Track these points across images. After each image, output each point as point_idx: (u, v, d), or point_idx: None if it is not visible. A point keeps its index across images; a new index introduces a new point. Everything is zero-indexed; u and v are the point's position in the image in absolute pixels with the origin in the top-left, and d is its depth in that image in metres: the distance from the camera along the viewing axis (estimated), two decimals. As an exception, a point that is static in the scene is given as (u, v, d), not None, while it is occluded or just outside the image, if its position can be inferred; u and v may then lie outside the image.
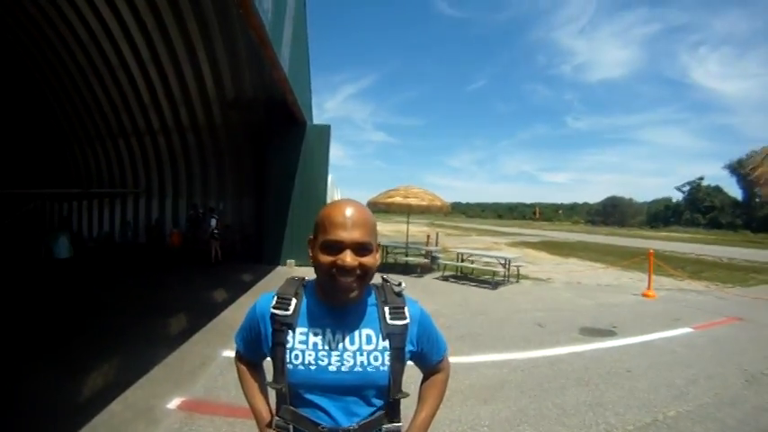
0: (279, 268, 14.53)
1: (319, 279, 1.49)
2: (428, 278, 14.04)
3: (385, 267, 15.23)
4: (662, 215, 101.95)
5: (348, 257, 1.38)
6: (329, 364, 1.44)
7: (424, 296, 10.63)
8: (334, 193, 19.26)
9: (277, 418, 1.51)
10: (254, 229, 16.59)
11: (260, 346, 1.57)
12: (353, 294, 1.42)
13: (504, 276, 13.55)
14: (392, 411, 1.52)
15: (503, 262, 13.66)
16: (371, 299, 1.55)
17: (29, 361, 5.73)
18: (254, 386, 1.71)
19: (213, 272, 13.57)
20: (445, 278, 14.07)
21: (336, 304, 1.48)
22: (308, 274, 1.60)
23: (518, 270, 14.14)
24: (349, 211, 1.42)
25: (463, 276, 14.47)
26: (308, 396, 1.46)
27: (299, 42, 13.07)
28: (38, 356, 5.91)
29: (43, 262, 13.54)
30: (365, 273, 1.42)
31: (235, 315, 8.17)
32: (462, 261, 15.29)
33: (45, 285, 10.97)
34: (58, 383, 4.98)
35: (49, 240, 13.92)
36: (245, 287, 10.92)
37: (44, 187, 18.99)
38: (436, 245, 19.91)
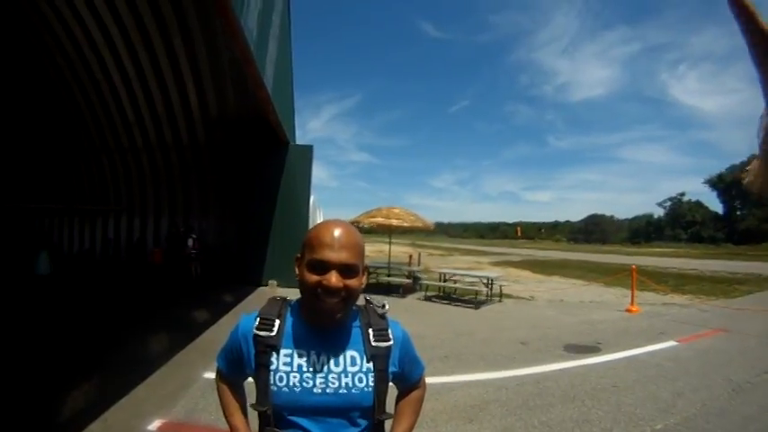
0: (260, 289, 14.40)
1: (303, 299, 1.47)
2: (411, 298, 14.01)
3: (368, 288, 15.14)
4: (644, 231, 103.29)
5: (333, 278, 1.36)
6: (314, 386, 1.42)
7: (407, 316, 10.55)
8: (316, 214, 19.18)
9: None
10: (235, 248, 16.40)
11: (242, 367, 1.53)
12: (337, 317, 1.41)
13: (487, 296, 13.52)
14: None
15: (485, 281, 13.64)
16: (355, 320, 1.54)
17: (3, 380, 5.56)
18: (234, 405, 1.66)
19: (194, 292, 13.45)
20: (428, 298, 14.00)
21: (320, 326, 1.46)
22: (291, 294, 1.59)
23: (501, 289, 14.11)
24: (338, 232, 1.41)
25: (446, 296, 14.40)
26: (293, 418, 1.43)
27: (283, 62, 13.11)
28: (12, 375, 5.75)
29: (22, 278, 13.34)
30: (350, 295, 1.40)
31: (216, 336, 8.03)
32: (445, 281, 15.22)
33: (22, 302, 10.83)
34: (34, 403, 4.88)
35: (29, 256, 13.76)
36: (227, 307, 10.82)
37: (25, 201, 18.78)
38: (418, 265, 19.91)
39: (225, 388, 1.68)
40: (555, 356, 7.43)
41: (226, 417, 1.66)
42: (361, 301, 1.59)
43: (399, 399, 1.75)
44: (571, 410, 5.04)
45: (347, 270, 1.38)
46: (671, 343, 8.34)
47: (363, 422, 1.47)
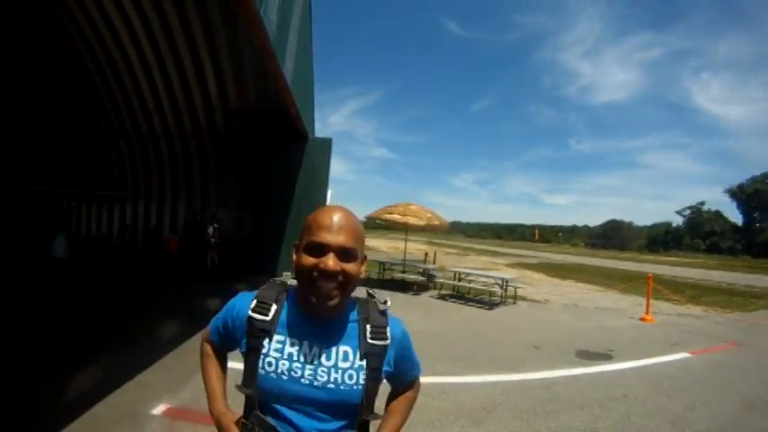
0: (274, 279, 14.28)
1: (300, 283, 1.44)
2: (425, 296, 13.96)
3: (382, 283, 15.19)
4: (662, 239, 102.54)
5: (331, 261, 1.34)
6: (302, 376, 1.39)
7: (420, 314, 10.59)
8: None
9: (245, 420, 1.45)
10: (251, 238, 16.47)
11: (231, 341, 1.56)
12: (333, 302, 1.37)
13: (502, 297, 13.48)
14: (361, 431, 1.47)
15: (500, 282, 13.60)
16: (353, 314, 1.51)
17: (14, 360, 5.64)
18: (214, 371, 1.69)
19: (208, 280, 13.51)
20: (442, 297, 13.97)
21: (316, 313, 1.43)
22: (298, 284, 1.56)
23: (515, 291, 14.06)
24: (337, 216, 1.40)
25: (460, 296, 14.37)
26: (277, 406, 1.41)
27: (304, 55, 13.11)
28: (24, 355, 5.85)
29: (39, 261, 13.49)
30: (347, 280, 1.38)
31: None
32: (460, 280, 15.21)
33: (38, 284, 10.95)
34: (44, 383, 4.93)
35: (47, 239, 13.88)
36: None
37: (45, 185, 19.01)
38: (434, 263, 19.86)
39: (209, 351, 1.71)
40: (566, 362, 7.39)
41: (204, 378, 1.69)
42: (363, 294, 1.58)
43: (391, 398, 1.72)
44: (579, 418, 5.00)
45: (345, 254, 1.37)
46: (684, 354, 8.24)
47: (348, 420, 1.45)
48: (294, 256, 1.46)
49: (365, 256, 1.52)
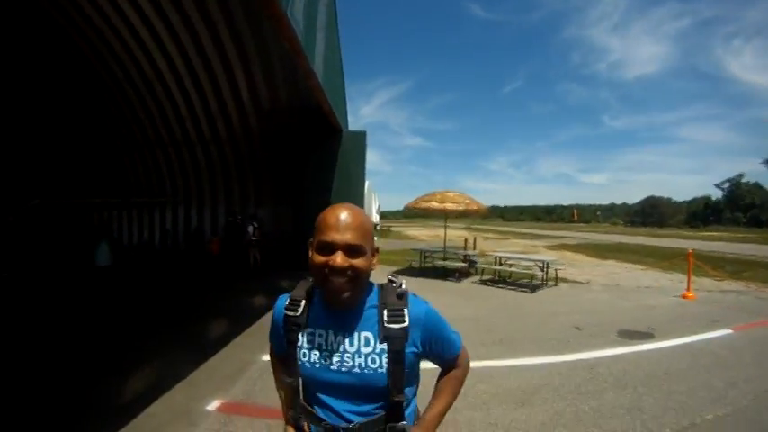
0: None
1: (315, 280, 1.59)
2: (466, 283, 14.06)
3: (423, 272, 15.35)
4: (701, 214, 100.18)
5: (339, 258, 1.46)
6: (331, 364, 1.54)
7: (462, 300, 10.76)
8: (371, 199, 19.31)
9: (292, 410, 1.65)
10: (292, 235, 16.66)
11: (282, 342, 1.68)
12: (345, 296, 1.50)
13: (542, 279, 13.55)
14: (393, 412, 1.56)
15: (540, 265, 13.67)
16: (372, 300, 1.61)
17: (70, 363, 5.97)
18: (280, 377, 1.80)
19: (252, 278, 13.81)
20: (483, 282, 14.07)
21: (333, 306, 1.57)
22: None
23: (556, 273, 14.09)
24: (343, 215, 1.50)
25: (501, 280, 14.45)
26: (317, 393, 1.58)
27: (332, 50, 13.21)
28: (79, 360, 6.14)
29: (84, 269, 13.93)
30: (356, 274, 1.49)
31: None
32: (500, 265, 15.27)
33: (85, 292, 11.22)
34: (100, 385, 5.19)
35: (91, 247, 14.31)
36: (283, 292, 10.97)
37: (86, 196, 19.49)
38: (474, 249, 19.91)
39: (276, 362, 1.88)
40: (608, 342, 7.47)
41: (277, 388, 1.84)
42: (384, 281, 1.67)
43: (440, 377, 1.80)
44: (622, 397, 5.12)
45: (352, 250, 1.47)
46: (726, 331, 8.22)
47: (379, 402, 1.55)
48: (310, 254, 1.55)
49: (376, 249, 1.63)
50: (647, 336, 7.90)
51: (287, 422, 1.71)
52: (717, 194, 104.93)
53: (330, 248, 1.47)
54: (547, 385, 5.50)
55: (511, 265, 15.12)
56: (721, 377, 5.80)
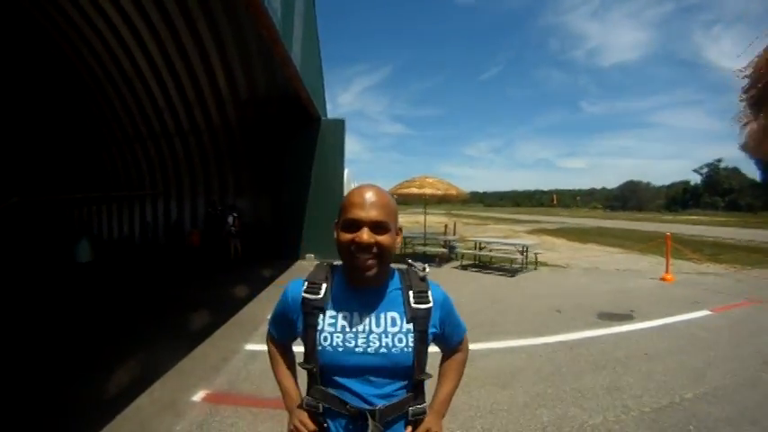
0: (298, 263, 14.61)
1: (342, 259, 1.58)
2: (446, 268, 14.10)
3: (403, 258, 15.34)
4: (680, 199, 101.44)
5: (365, 234, 1.47)
6: (356, 345, 1.53)
7: (443, 285, 10.70)
8: (351, 187, 19.21)
9: (308, 397, 1.60)
10: (272, 224, 16.66)
11: (291, 329, 1.67)
12: (371, 272, 1.51)
13: (522, 264, 13.59)
14: (417, 392, 1.60)
15: (520, 249, 13.70)
16: (396, 283, 1.64)
17: (53, 360, 5.86)
18: (283, 367, 1.83)
19: (233, 269, 13.71)
20: (464, 267, 14.13)
21: (358, 284, 1.57)
22: (330, 266, 1.71)
23: (536, 257, 14.17)
24: (368, 193, 1.53)
25: (481, 265, 14.53)
26: (337, 377, 1.55)
27: (310, 38, 13.11)
28: (63, 355, 6.05)
29: (65, 267, 13.74)
30: (382, 251, 1.50)
31: (256, 310, 8.36)
32: (480, 250, 15.34)
33: (66, 290, 11.03)
34: (84, 381, 5.10)
35: (71, 245, 14.12)
36: (266, 282, 10.98)
37: (64, 192, 19.30)
38: (454, 234, 19.95)
39: (275, 351, 1.84)
40: (588, 324, 7.51)
41: (277, 379, 1.83)
42: (404, 265, 1.72)
43: (443, 361, 1.85)
44: (602, 378, 5.15)
45: (378, 227, 1.49)
46: (705, 312, 8.31)
47: (403, 382, 1.57)
48: (335, 234, 1.58)
49: (400, 228, 1.65)
50: (626, 318, 7.95)
51: (291, 411, 1.70)
52: (695, 179, 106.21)
53: (356, 226, 1.50)
54: (528, 367, 5.52)
55: (491, 250, 15.20)
56: (700, 357, 5.86)
